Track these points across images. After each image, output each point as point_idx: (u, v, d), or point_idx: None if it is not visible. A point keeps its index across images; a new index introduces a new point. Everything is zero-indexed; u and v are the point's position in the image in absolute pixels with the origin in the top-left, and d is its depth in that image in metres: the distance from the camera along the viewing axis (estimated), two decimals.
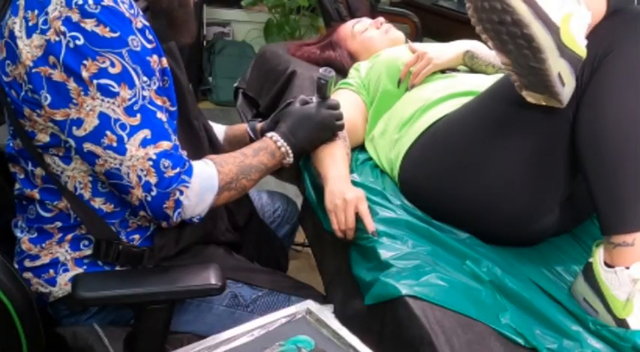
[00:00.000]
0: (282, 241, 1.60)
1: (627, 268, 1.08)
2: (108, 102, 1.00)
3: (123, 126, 1.01)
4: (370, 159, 1.53)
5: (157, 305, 1.07)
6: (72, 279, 1.08)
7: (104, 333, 1.11)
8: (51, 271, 1.13)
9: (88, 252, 1.13)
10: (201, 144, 1.25)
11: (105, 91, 1.00)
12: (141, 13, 1.06)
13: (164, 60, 1.09)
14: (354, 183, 1.34)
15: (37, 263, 1.13)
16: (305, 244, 2.30)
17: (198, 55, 3.91)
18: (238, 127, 1.49)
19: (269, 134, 1.27)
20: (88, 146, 1.02)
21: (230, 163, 1.16)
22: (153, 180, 1.03)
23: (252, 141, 1.43)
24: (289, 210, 1.67)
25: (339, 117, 1.35)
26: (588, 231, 1.37)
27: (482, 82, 1.46)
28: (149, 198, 1.04)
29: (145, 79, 1.03)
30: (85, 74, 0.98)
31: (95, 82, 0.99)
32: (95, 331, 1.12)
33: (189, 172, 1.07)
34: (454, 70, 1.62)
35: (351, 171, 1.41)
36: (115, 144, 1.01)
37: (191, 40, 1.22)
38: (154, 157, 1.02)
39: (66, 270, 1.13)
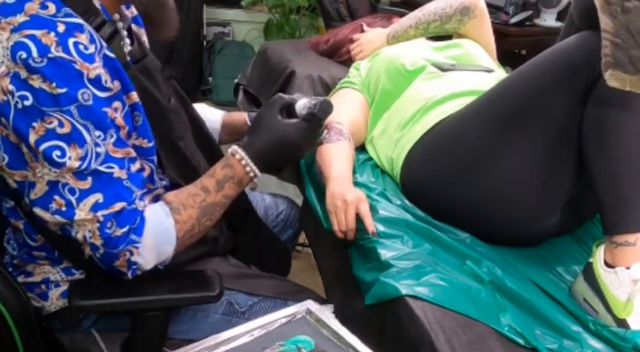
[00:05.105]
0: (284, 244, 1.56)
1: (628, 268, 1.08)
2: (55, 172, 0.95)
3: (72, 191, 0.96)
4: (370, 159, 1.52)
5: (153, 312, 1.07)
6: (64, 294, 1.06)
7: (101, 339, 1.10)
8: (43, 286, 1.11)
9: (81, 277, 1.11)
10: (187, 165, 1.19)
11: (51, 161, 0.95)
12: (104, 45, 0.99)
13: (133, 94, 1.04)
14: (355, 183, 1.34)
15: (29, 279, 1.11)
16: (305, 244, 2.29)
17: (198, 55, 3.91)
18: (238, 116, 1.43)
19: (238, 155, 1.11)
20: (37, 210, 0.98)
21: (189, 206, 1.08)
22: (98, 241, 0.99)
23: None
24: (293, 213, 1.63)
25: (317, 136, 1.19)
26: (589, 232, 1.37)
27: (483, 81, 1.46)
28: (98, 256, 1.00)
29: (97, 133, 0.97)
30: (32, 139, 0.93)
31: (42, 148, 0.94)
32: (92, 336, 1.11)
33: (139, 231, 1.01)
34: (452, 65, 1.61)
35: (352, 172, 1.40)
36: (63, 209, 0.97)
37: (175, 33, 1.17)
38: (101, 219, 0.98)
39: (57, 285, 1.11)
